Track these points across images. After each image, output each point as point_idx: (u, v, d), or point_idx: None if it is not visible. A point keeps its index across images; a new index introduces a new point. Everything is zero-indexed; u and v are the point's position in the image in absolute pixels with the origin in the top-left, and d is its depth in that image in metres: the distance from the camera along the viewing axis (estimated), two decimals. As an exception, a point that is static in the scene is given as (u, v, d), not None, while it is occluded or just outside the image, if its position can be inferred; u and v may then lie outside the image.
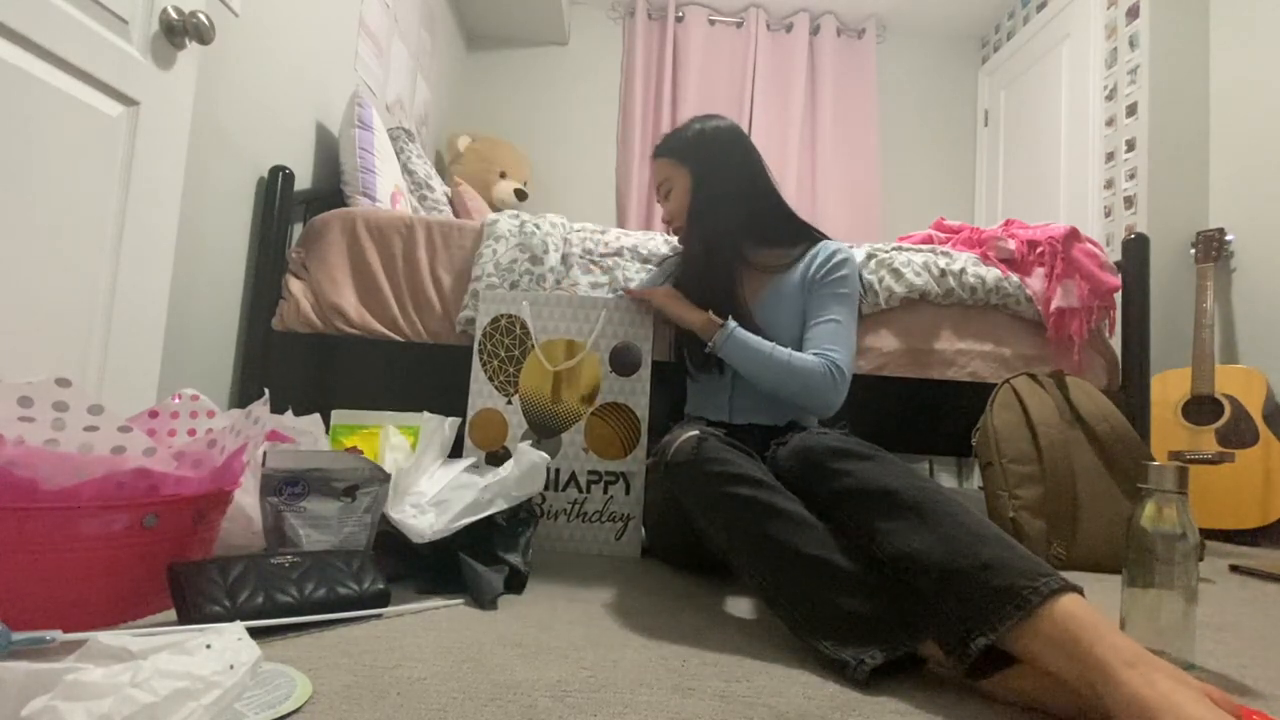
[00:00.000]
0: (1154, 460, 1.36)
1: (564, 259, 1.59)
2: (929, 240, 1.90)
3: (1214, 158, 2.31)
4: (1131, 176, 2.37)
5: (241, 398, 1.51)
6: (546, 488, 1.20)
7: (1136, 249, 1.68)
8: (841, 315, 1.18)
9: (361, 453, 1.09)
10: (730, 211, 1.24)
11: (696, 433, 0.89)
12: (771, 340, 1.16)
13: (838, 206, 3.15)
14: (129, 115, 1.05)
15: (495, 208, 2.65)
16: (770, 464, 0.89)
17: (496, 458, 1.23)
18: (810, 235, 1.30)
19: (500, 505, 0.94)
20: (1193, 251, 2.18)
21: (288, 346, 1.55)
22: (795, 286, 1.22)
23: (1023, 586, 0.59)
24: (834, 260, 1.21)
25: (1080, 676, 0.54)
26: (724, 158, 1.26)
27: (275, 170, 1.58)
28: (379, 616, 0.77)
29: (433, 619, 0.78)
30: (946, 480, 2.79)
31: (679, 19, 3.27)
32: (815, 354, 1.14)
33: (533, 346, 1.27)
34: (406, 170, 2.07)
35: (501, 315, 1.29)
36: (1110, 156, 2.48)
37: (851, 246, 1.65)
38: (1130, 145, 2.39)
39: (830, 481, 0.78)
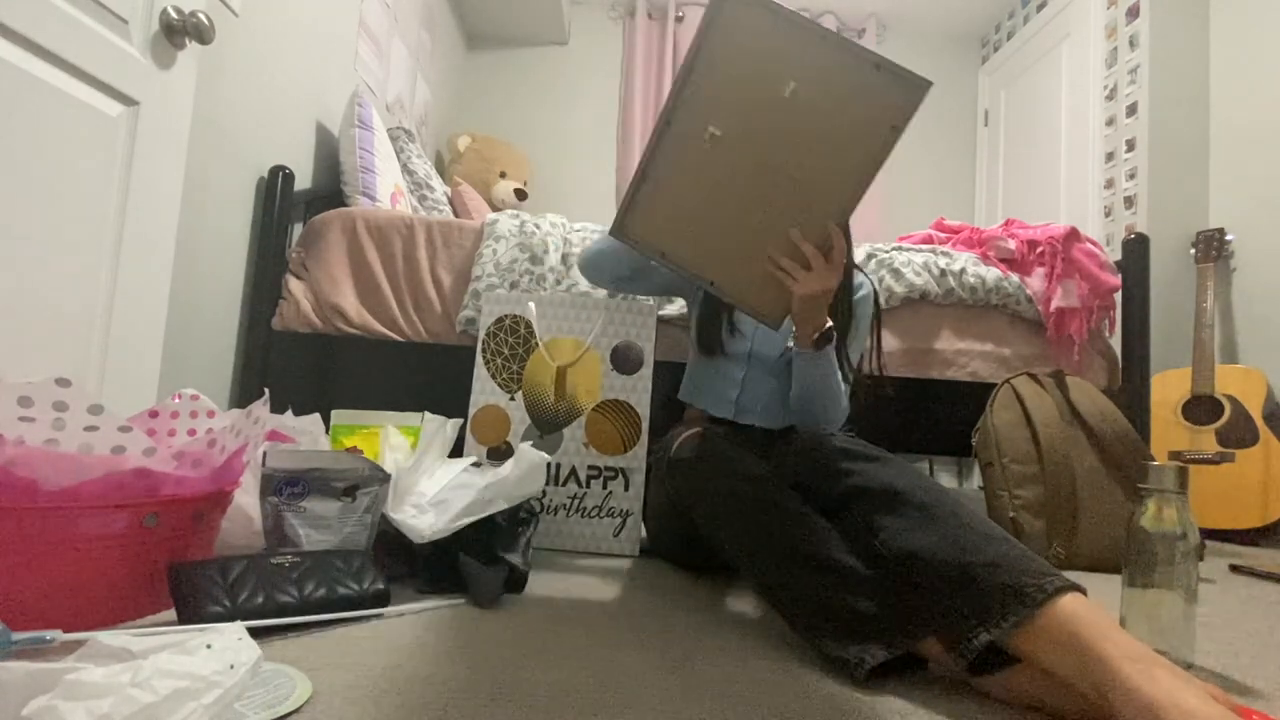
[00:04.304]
0: (1154, 460, 1.36)
1: (564, 259, 1.59)
2: (929, 240, 1.90)
3: (1214, 158, 2.31)
4: (1131, 176, 2.37)
5: (241, 398, 1.51)
6: (546, 482, 1.21)
7: (1136, 249, 1.68)
8: (853, 347, 1.19)
9: (361, 453, 1.09)
10: None
11: (700, 430, 0.89)
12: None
13: (838, 206, 3.14)
14: (129, 115, 1.05)
15: (495, 208, 2.64)
16: (775, 463, 0.89)
17: (498, 453, 1.24)
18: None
19: (500, 505, 0.94)
20: (1193, 251, 2.18)
21: (288, 346, 1.55)
22: None
23: (1027, 584, 0.59)
24: (858, 290, 1.20)
25: (1082, 673, 0.54)
26: None
27: (275, 170, 1.58)
28: (379, 616, 0.77)
29: (433, 619, 0.78)
30: (946, 480, 2.79)
31: (679, 19, 3.27)
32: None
33: (537, 345, 1.28)
34: (406, 170, 2.07)
35: (505, 315, 1.29)
36: (1110, 156, 2.48)
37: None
38: (1130, 145, 2.39)
39: (836, 481, 0.78)
